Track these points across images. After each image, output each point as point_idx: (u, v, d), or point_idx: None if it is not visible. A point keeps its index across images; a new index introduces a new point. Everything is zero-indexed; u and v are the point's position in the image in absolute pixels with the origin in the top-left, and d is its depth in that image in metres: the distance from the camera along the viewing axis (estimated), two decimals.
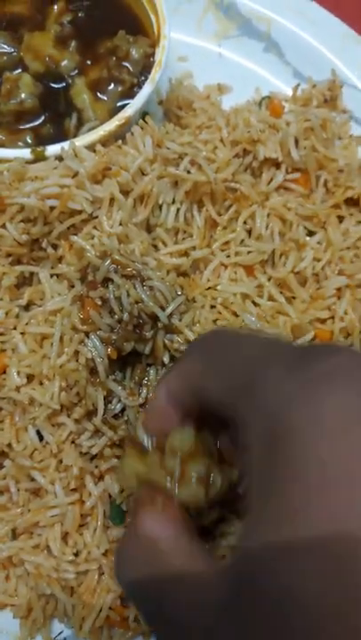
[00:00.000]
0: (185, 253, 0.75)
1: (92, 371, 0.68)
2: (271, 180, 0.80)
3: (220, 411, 0.43)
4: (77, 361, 0.68)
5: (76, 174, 0.71)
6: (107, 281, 0.68)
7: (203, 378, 0.47)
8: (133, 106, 0.78)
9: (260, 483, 0.36)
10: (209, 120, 0.85)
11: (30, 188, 0.69)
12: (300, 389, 0.36)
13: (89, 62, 0.85)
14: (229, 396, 0.42)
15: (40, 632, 0.67)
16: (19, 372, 0.68)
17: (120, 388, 0.67)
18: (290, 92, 0.93)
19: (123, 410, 0.69)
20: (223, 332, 0.56)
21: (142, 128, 0.77)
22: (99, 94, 0.83)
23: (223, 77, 0.93)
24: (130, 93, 0.83)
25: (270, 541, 0.33)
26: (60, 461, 0.68)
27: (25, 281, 0.76)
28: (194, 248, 0.75)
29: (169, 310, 0.68)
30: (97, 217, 0.72)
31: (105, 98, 0.83)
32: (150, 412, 0.53)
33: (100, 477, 0.69)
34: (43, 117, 0.82)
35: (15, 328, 0.72)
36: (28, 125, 0.82)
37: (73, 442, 0.69)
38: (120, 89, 0.83)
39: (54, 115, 0.82)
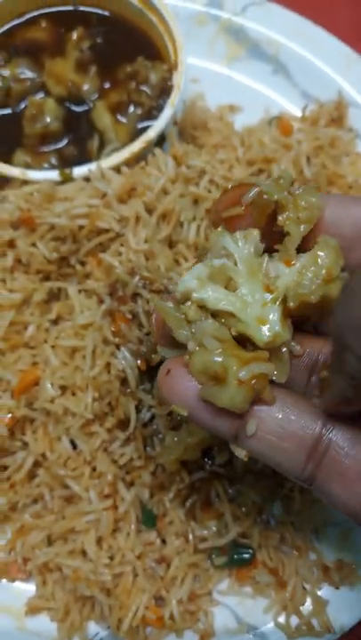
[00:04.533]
0: None
1: (123, 381, 0.71)
2: None
3: None
4: (109, 372, 0.71)
5: (103, 195, 0.75)
6: (135, 296, 0.72)
7: None
8: (155, 128, 0.82)
9: None
10: (224, 139, 0.89)
11: (61, 209, 0.73)
12: None
13: (109, 86, 0.88)
14: None
15: (77, 634, 0.70)
16: (52, 384, 0.72)
17: (150, 397, 0.71)
18: (298, 112, 0.97)
19: (152, 418, 0.72)
20: None
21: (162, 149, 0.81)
22: (119, 117, 0.87)
23: (233, 98, 0.98)
24: (149, 116, 0.87)
25: None
26: (94, 469, 0.72)
27: (53, 296, 0.79)
28: None
29: None
30: (123, 235, 0.75)
31: (125, 120, 0.87)
32: None
33: (132, 484, 0.72)
34: (66, 140, 0.86)
35: (46, 342, 0.75)
36: (52, 147, 0.85)
37: (105, 450, 0.72)
38: (139, 112, 0.86)
39: (77, 137, 0.86)
